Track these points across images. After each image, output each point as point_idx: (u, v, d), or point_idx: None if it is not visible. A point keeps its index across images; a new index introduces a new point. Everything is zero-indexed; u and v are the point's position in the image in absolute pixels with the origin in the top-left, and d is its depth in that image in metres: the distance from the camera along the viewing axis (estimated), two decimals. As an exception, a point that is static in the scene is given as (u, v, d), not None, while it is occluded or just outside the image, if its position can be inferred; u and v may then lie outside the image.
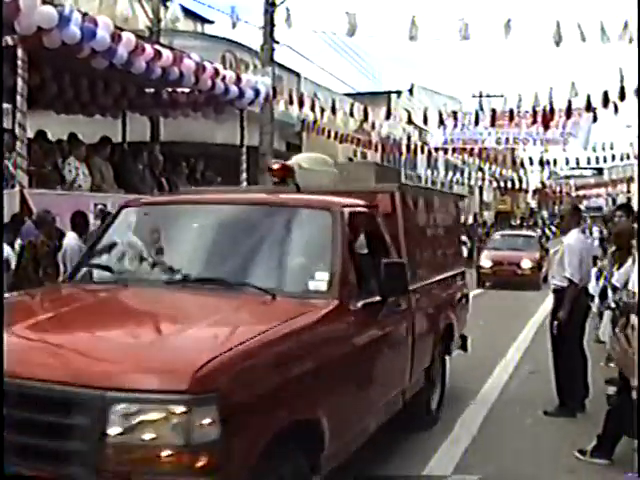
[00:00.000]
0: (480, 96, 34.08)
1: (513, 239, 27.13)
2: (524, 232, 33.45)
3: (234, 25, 19.72)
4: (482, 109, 28.79)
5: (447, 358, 8.42)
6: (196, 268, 5.53)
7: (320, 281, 5.21)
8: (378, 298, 5.57)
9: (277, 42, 21.26)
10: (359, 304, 5.32)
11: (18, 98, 9.98)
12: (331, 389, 4.71)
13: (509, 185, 53.25)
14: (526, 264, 23.89)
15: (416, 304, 6.75)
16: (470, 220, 49.76)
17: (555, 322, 8.27)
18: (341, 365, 4.88)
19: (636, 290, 7.10)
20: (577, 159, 37.85)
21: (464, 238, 31.09)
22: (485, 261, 24.63)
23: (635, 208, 14.06)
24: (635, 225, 9.82)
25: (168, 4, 19.72)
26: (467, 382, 9.35)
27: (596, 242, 22.38)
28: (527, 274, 23.87)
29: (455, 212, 9.90)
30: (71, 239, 9.26)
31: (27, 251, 8.73)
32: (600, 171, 66.01)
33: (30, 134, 11.68)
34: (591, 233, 34.45)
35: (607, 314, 10.31)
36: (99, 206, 11.26)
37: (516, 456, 6.83)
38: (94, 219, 10.57)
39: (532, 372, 10.09)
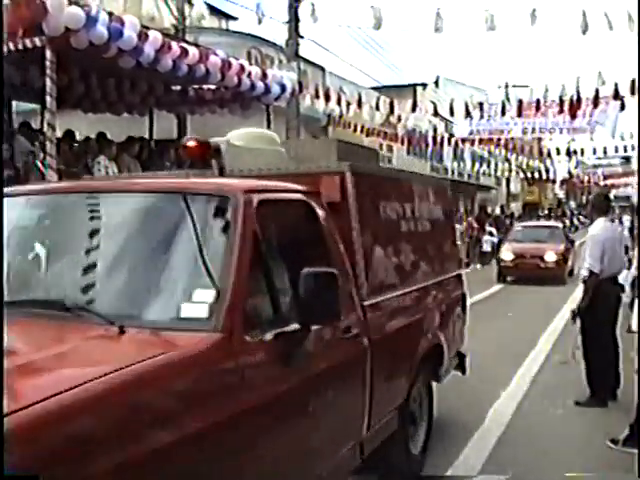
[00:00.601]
0: (506, 87, 33.89)
1: (536, 230, 25.44)
2: (548, 223, 32.45)
3: (260, 21, 19.76)
4: (508, 100, 28.64)
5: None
6: (28, 284, 4.12)
7: (199, 304, 3.58)
8: (296, 326, 3.84)
9: (302, 37, 21.32)
10: (266, 337, 3.74)
11: (47, 98, 10.07)
12: (203, 473, 3.14)
13: (536, 176, 52.94)
14: (550, 257, 22.34)
15: (377, 326, 5.15)
16: (497, 211, 49.70)
17: (573, 310, 8.36)
18: (222, 436, 3.27)
19: None
20: (604, 148, 37.47)
21: (492, 230, 31.10)
22: (506, 254, 22.97)
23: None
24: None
25: (193, 1, 19.82)
26: (496, 373, 9.37)
27: (626, 231, 22.16)
28: (551, 267, 22.29)
29: (447, 202, 7.83)
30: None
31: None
32: (628, 159, 65.39)
33: (59, 133, 11.80)
34: (621, 222, 34.18)
35: (637, 303, 10.26)
36: None
37: (547, 446, 6.82)
38: None
39: (563, 362, 10.06)
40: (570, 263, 22.79)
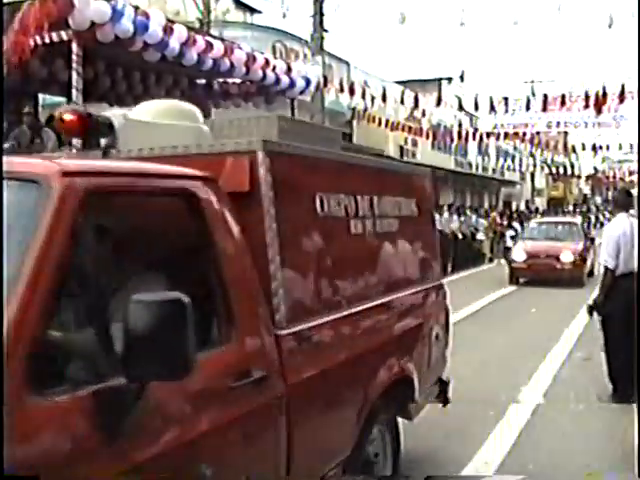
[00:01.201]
0: (532, 82, 33.81)
1: (552, 227, 23.06)
2: (565, 218, 31.01)
3: (284, 15, 19.84)
4: (534, 95, 28.55)
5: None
6: None
7: None
8: (123, 382, 2.57)
9: (327, 31, 21.36)
10: (76, 396, 2.54)
11: (73, 91, 10.16)
12: None
13: (561, 171, 52.69)
14: (567, 257, 20.02)
15: (300, 363, 3.83)
16: (522, 207, 49.51)
17: (590, 304, 8.47)
18: None
19: None
20: (631, 144, 37.29)
21: (516, 225, 30.96)
22: (518, 253, 20.48)
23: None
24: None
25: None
26: (517, 368, 9.37)
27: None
28: (568, 268, 19.99)
29: (424, 196, 6.12)
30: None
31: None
32: (655, 155, 64.90)
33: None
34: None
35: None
36: None
37: (569, 442, 6.81)
38: None
39: (586, 359, 10.04)
40: (589, 263, 20.79)
